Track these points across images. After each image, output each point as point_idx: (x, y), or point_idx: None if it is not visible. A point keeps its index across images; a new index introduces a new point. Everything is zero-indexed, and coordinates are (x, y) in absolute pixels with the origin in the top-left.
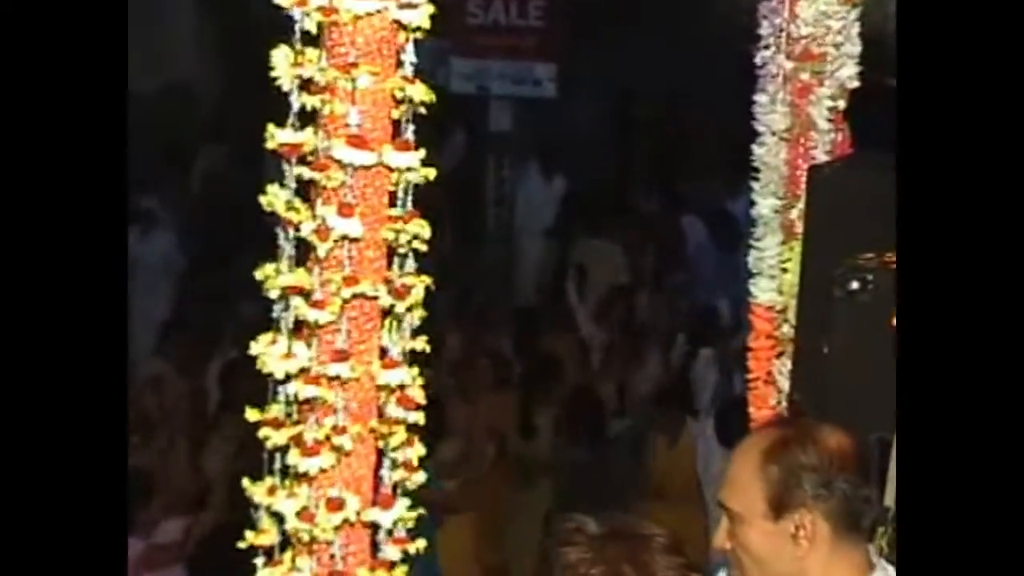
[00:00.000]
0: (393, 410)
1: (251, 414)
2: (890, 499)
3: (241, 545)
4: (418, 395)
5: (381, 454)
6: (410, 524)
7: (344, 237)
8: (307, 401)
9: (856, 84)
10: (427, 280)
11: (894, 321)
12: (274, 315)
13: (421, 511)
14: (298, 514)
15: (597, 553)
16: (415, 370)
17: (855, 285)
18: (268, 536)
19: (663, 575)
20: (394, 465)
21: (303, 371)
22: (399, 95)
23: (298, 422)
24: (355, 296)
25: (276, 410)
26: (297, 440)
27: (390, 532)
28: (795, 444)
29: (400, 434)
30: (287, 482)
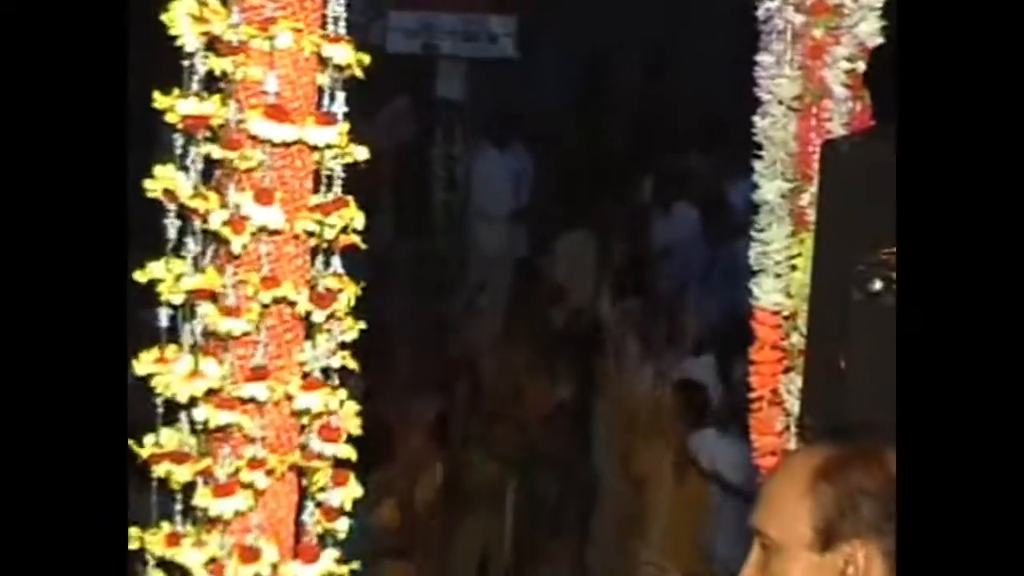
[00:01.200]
0: (315, 442)
1: (145, 448)
2: None
3: None
4: (349, 423)
5: (304, 495)
6: None
7: (263, 229)
8: (219, 429)
9: (878, 42)
10: (353, 287)
11: None
12: (162, 324)
13: (353, 567)
14: (206, 566)
15: None
16: (342, 393)
17: (878, 285)
18: None
19: None
20: (318, 509)
21: (212, 393)
22: (325, 56)
23: (206, 455)
24: (276, 301)
25: (176, 440)
26: (207, 477)
27: None
28: (856, 463)
29: (325, 471)
30: (193, 528)
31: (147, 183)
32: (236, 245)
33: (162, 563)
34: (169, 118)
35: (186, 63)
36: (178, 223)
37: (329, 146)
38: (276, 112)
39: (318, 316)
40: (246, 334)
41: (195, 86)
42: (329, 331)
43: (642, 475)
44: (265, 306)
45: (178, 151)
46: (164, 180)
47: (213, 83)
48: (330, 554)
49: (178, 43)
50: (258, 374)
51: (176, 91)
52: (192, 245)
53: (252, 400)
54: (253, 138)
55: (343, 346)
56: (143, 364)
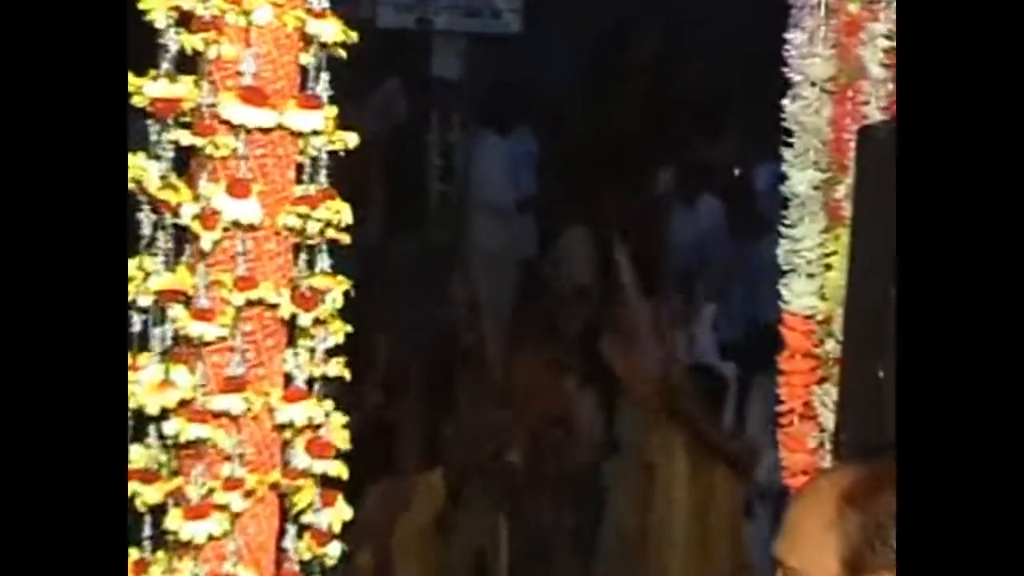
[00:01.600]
0: (299, 459)
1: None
2: None
3: None
4: (337, 438)
5: (285, 517)
6: None
7: (237, 224)
8: (191, 445)
9: None
10: (345, 283)
11: None
12: (134, 329)
13: None
14: None
15: None
16: (329, 404)
17: None
18: None
19: None
20: (301, 533)
21: (185, 404)
22: (309, 33)
23: (177, 473)
24: (252, 303)
25: (145, 458)
26: (177, 498)
27: None
28: (887, 486)
29: (309, 491)
30: (163, 554)
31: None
32: (206, 241)
33: None
34: (137, 101)
35: (158, 41)
36: (153, 217)
37: (313, 132)
38: (254, 95)
39: (303, 319)
40: (221, 340)
41: (165, 66)
42: (314, 336)
43: (652, 462)
44: (241, 309)
45: (152, 138)
46: (134, 169)
47: (186, 63)
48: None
49: (148, 18)
50: (235, 384)
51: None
52: (163, 241)
53: (228, 413)
54: (228, 123)
55: (330, 352)
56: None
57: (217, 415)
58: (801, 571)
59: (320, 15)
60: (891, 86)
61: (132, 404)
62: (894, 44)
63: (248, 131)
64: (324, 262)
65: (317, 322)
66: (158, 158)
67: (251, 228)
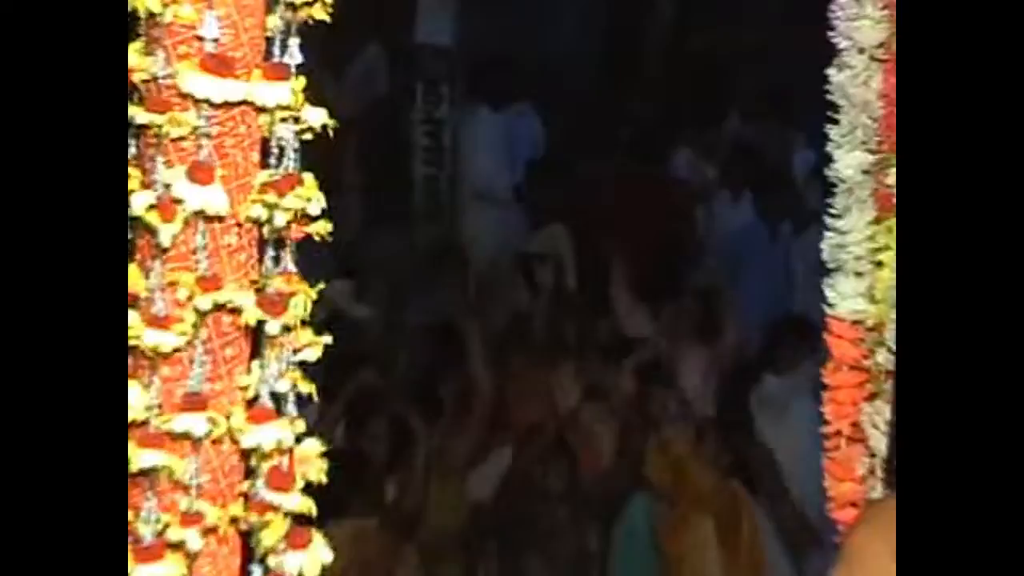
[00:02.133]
0: (264, 491)
1: None
2: None
3: None
4: (310, 467)
5: (250, 558)
6: None
7: (200, 215)
8: (142, 473)
9: None
10: (309, 290)
11: None
12: None
13: None
14: None
15: None
16: (300, 425)
17: None
18: None
19: None
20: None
21: (136, 427)
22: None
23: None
24: (217, 307)
25: None
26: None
27: None
28: None
29: (277, 527)
30: None
31: None
32: (165, 235)
33: None
34: None
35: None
36: None
37: (281, 107)
38: (216, 64)
39: (272, 327)
40: (177, 351)
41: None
42: (282, 346)
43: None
44: (203, 315)
45: None
46: None
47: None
48: None
49: None
50: (193, 402)
51: None
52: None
53: (186, 436)
54: (186, 97)
55: (299, 365)
56: None
57: (175, 438)
58: None
59: None
60: None
61: None
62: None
63: (211, 105)
64: (289, 260)
65: (285, 330)
66: None
67: (217, 219)
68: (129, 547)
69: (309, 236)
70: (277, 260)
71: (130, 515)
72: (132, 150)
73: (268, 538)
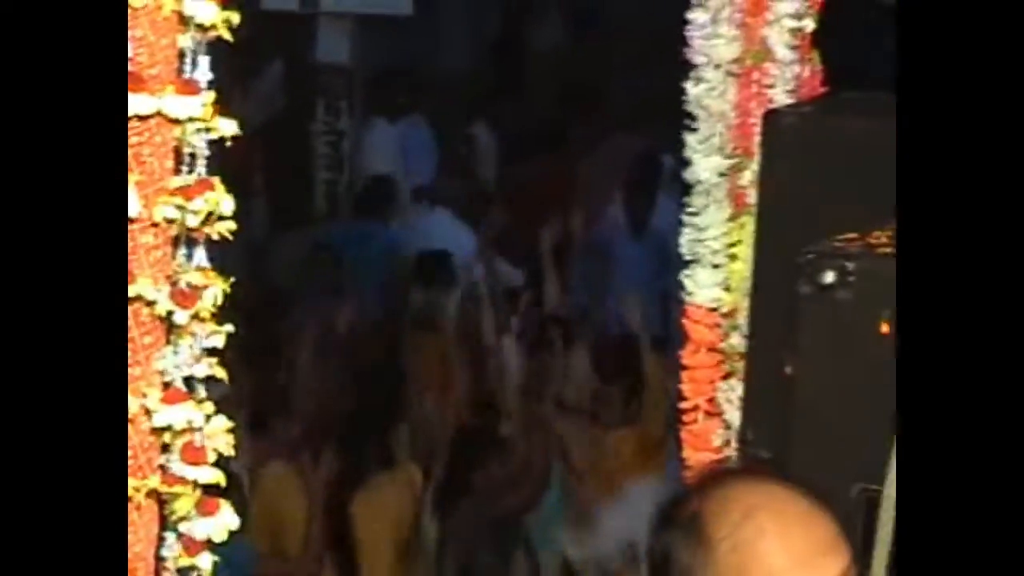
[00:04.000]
0: (177, 465)
1: None
2: (879, 566)
3: None
4: (218, 442)
5: (164, 525)
6: None
7: None
8: None
9: None
10: (222, 283)
11: (884, 327)
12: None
13: None
14: None
15: None
16: (209, 407)
17: (830, 277)
18: None
19: None
20: (180, 542)
21: None
22: (187, 15)
23: None
24: (132, 300)
25: None
26: None
27: None
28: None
29: (188, 498)
30: None
31: None
32: None
33: None
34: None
35: None
36: None
37: (192, 119)
38: (130, 80)
39: (180, 317)
40: None
41: None
42: (193, 334)
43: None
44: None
45: None
46: None
47: None
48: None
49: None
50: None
51: None
52: None
53: None
54: None
55: (210, 352)
56: None
57: None
58: None
59: None
60: (797, 68)
61: None
62: (800, 24)
63: (126, 119)
64: (202, 256)
65: (196, 319)
66: None
67: (130, 221)
68: None
69: (220, 236)
70: (190, 257)
71: None
72: None
73: (181, 508)
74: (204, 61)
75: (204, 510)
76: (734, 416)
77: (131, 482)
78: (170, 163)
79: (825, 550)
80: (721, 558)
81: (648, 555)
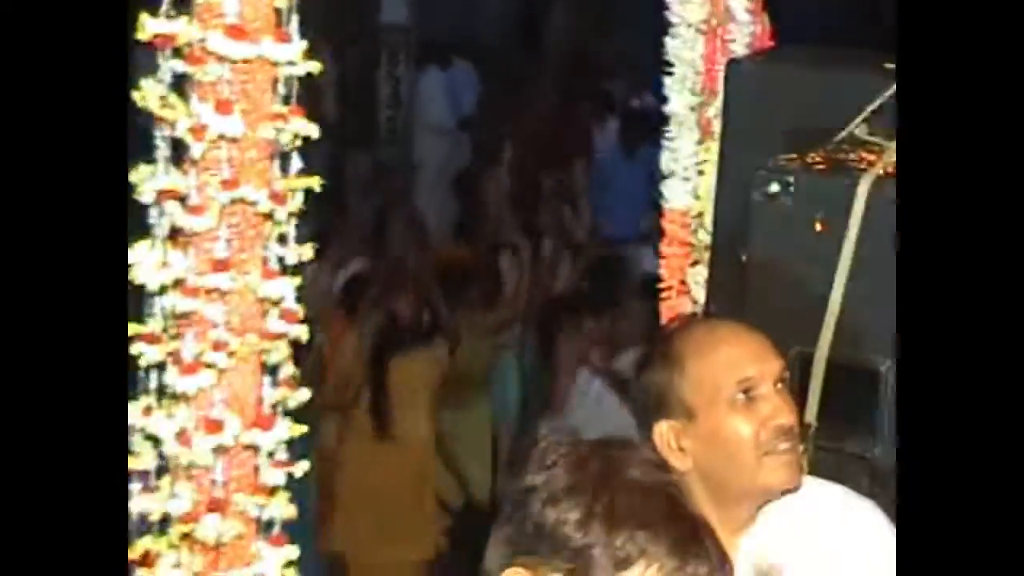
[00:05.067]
0: (275, 324)
1: (131, 328)
2: (811, 416)
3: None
4: (299, 309)
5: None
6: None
7: (222, 136)
8: (185, 315)
9: None
10: (313, 182)
11: (818, 226)
12: (149, 221)
13: (303, 429)
14: (176, 437)
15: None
16: (297, 281)
17: (775, 188)
18: (143, 460)
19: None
20: (275, 383)
21: (179, 282)
22: None
23: (175, 337)
24: (235, 201)
25: (153, 324)
26: (175, 357)
27: (271, 455)
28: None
29: (282, 350)
30: (164, 402)
31: (134, 94)
32: (196, 150)
33: (144, 434)
34: (140, 35)
35: None
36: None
37: (287, 62)
38: (235, 31)
39: (279, 213)
40: (208, 230)
41: (165, 7)
42: (287, 225)
43: None
44: (225, 206)
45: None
46: (140, 92)
47: (183, 6)
48: (284, 423)
49: None
50: (220, 266)
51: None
52: (162, 150)
53: (216, 289)
54: (214, 54)
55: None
56: (134, 255)
57: (208, 291)
58: None
59: None
60: (754, 28)
61: (136, 282)
62: None
63: (232, 61)
64: (297, 164)
65: (291, 215)
66: (157, 81)
67: (234, 140)
68: (174, 367)
69: (304, 152)
70: (284, 168)
71: (177, 343)
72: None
73: (275, 357)
74: (295, 18)
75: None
76: (700, 294)
77: (235, 340)
78: (269, 96)
79: (768, 351)
80: (690, 367)
81: (633, 394)
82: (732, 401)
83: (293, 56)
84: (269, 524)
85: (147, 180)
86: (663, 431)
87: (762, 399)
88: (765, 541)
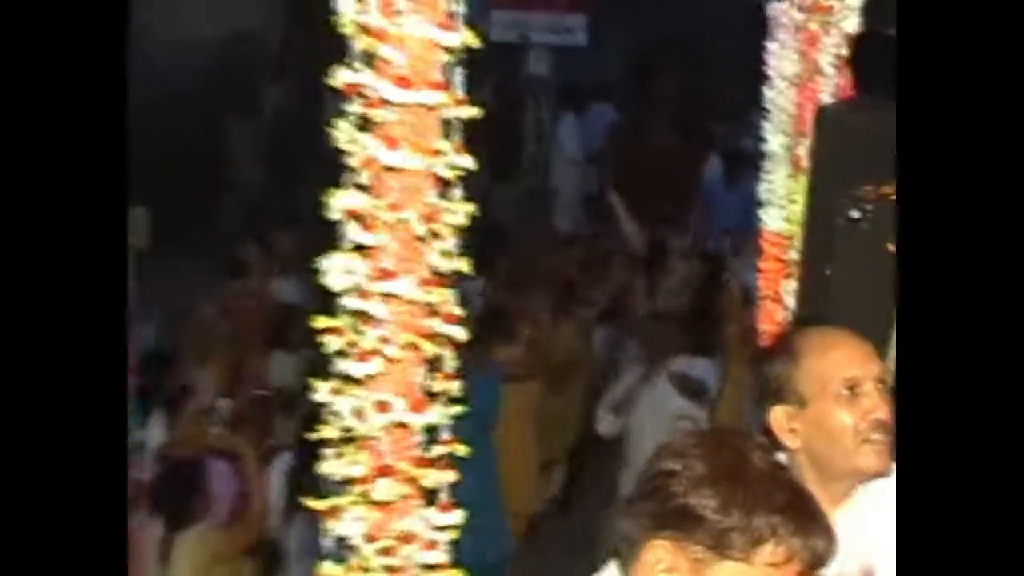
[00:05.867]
0: (435, 325)
1: (319, 321)
2: None
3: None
4: (457, 311)
5: (428, 363)
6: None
7: (393, 167)
8: (361, 314)
9: (858, 33)
10: (471, 208)
11: (890, 246)
12: (337, 235)
13: (460, 410)
14: (354, 413)
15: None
16: (453, 291)
17: (855, 214)
18: (331, 430)
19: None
20: (436, 374)
21: (358, 286)
22: (443, 41)
23: (357, 331)
24: (401, 221)
25: (340, 320)
26: (353, 347)
27: (434, 432)
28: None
29: (440, 346)
30: (346, 385)
31: (333, 132)
32: (372, 178)
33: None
34: (333, 83)
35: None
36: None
37: (448, 107)
38: (403, 81)
39: (443, 231)
40: (382, 245)
41: (352, 61)
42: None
43: None
44: (391, 224)
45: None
46: (337, 130)
47: (365, 59)
48: (444, 407)
49: (340, 30)
50: (388, 274)
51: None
52: (348, 177)
53: (385, 293)
54: (387, 100)
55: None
56: (326, 263)
57: (379, 295)
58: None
59: (452, 28)
60: (838, 80)
61: (324, 283)
62: (841, 51)
63: (401, 105)
64: (455, 194)
65: (450, 234)
66: (346, 121)
67: (401, 170)
68: (351, 354)
69: (463, 182)
70: (445, 195)
71: (354, 336)
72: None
73: (434, 350)
74: (457, 70)
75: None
76: (790, 302)
77: (404, 335)
78: (434, 134)
79: (871, 356)
80: (805, 363)
81: (759, 381)
82: (838, 395)
83: (453, 102)
84: (435, 491)
85: (336, 201)
86: (778, 415)
87: (863, 395)
88: (859, 517)
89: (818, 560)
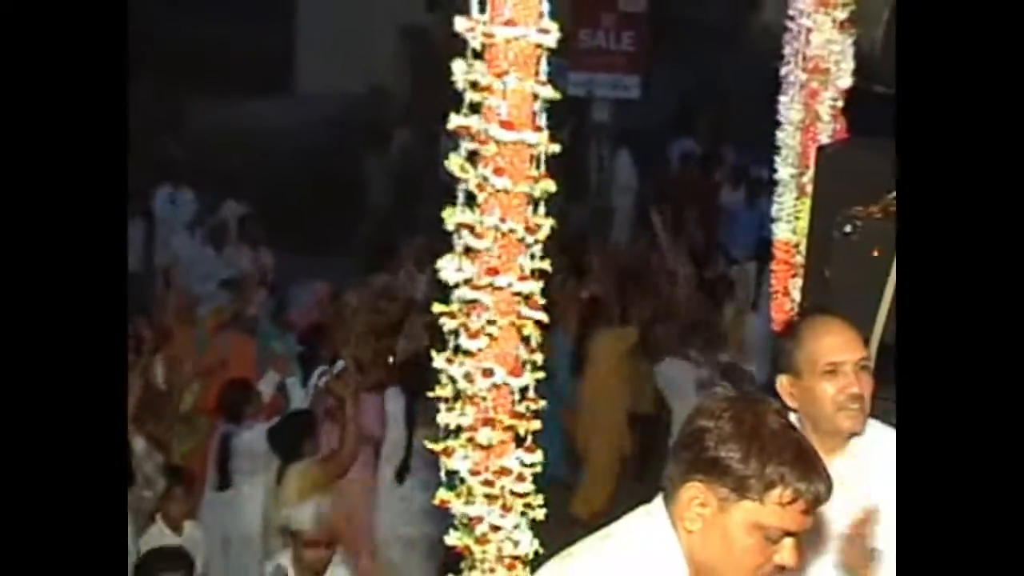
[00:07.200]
0: (525, 310)
1: (436, 307)
2: None
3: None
4: (541, 300)
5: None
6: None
7: (496, 190)
8: (470, 301)
9: (850, 88)
10: (551, 222)
11: (875, 253)
12: (452, 243)
13: (541, 375)
14: (464, 377)
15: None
16: (540, 284)
17: (848, 229)
18: (446, 390)
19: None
20: (527, 347)
21: (467, 281)
22: (536, 94)
23: (466, 315)
24: (501, 231)
25: (454, 306)
26: (465, 327)
27: (524, 392)
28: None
29: (530, 326)
30: (458, 356)
31: (448, 163)
32: (480, 198)
33: (446, 374)
34: (449, 126)
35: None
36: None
37: (540, 144)
38: (506, 124)
39: (530, 239)
40: (487, 249)
41: (464, 109)
42: (536, 245)
43: None
44: (495, 232)
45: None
46: (451, 162)
47: (474, 108)
48: (532, 374)
49: (454, 86)
50: (491, 270)
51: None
52: (460, 197)
53: (490, 285)
54: (493, 138)
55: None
56: (441, 263)
57: (485, 287)
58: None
59: (542, 83)
60: (835, 125)
61: (442, 279)
62: (837, 103)
63: (504, 143)
64: (541, 211)
65: (537, 241)
66: (459, 155)
67: (504, 191)
68: (464, 333)
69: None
70: (535, 211)
71: (465, 318)
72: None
73: (525, 331)
74: (544, 116)
75: (536, 331)
76: (797, 295)
77: (504, 319)
78: (527, 164)
79: (854, 342)
80: (803, 342)
81: (773, 356)
82: (823, 372)
83: (541, 140)
84: (524, 437)
85: (451, 217)
86: (783, 382)
87: (843, 374)
88: (860, 464)
89: (818, 500)
